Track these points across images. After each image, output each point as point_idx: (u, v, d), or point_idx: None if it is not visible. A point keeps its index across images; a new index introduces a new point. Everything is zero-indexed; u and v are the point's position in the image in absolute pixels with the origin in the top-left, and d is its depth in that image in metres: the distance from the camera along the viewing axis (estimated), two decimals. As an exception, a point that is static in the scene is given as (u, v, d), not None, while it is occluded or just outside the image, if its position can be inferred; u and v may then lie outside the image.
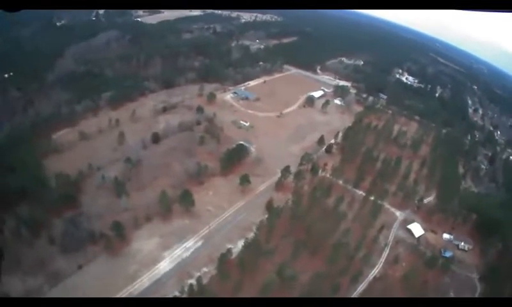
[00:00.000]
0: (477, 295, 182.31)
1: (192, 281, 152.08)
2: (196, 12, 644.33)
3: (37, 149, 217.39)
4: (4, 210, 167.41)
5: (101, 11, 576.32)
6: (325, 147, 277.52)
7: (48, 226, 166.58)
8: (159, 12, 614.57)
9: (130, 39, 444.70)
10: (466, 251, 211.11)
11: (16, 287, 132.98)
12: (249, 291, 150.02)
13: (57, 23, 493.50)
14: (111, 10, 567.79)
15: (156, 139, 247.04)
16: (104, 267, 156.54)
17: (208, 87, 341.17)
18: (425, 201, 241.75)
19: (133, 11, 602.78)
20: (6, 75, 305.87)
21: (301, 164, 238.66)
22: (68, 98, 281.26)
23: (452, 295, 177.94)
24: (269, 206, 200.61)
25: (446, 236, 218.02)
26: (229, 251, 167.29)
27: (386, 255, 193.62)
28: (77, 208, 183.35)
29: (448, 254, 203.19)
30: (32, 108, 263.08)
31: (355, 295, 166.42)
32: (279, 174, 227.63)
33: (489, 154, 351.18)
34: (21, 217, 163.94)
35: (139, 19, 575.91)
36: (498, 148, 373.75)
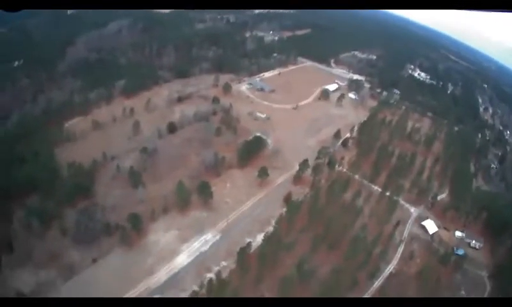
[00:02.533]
0: (486, 294, 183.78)
1: (212, 275, 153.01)
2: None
3: (49, 138, 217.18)
4: (15, 201, 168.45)
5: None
6: (341, 141, 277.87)
7: (61, 218, 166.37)
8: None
9: (142, 28, 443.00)
10: (477, 249, 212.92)
11: (28, 281, 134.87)
12: (269, 286, 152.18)
13: (68, 12, 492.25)
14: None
15: (172, 128, 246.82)
16: (119, 260, 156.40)
17: (223, 78, 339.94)
18: (439, 197, 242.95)
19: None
20: (16, 63, 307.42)
21: (318, 158, 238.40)
22: (80, 87, 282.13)
23: (463, 293, 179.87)
24: (287, 199, 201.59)
25: (458, 233, 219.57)
26: (248, 244, 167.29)
27: (401, 251, 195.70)
28: (91, 199, 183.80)
29: (460, 251, 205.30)
30: (43, 96, 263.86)
31: (372, 290, 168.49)
32: (296, 167, 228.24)
33: (499, 153, 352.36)
34: (32, 209, 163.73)
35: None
36: (508, 148, 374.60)
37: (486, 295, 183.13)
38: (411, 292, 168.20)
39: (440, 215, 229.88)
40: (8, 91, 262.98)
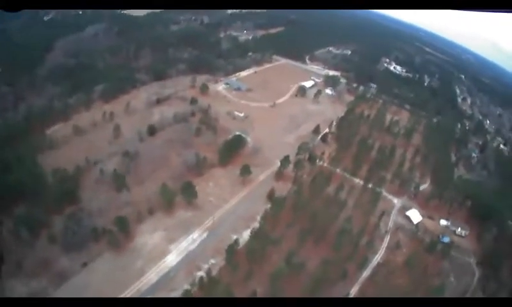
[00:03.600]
0: (475, 279, 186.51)
1: (202, 274, 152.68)
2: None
3: (31, 145, 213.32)
4: (2, 211, 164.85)
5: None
6: (320, 136, 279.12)
7: (49, 225, 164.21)
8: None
9: (118, 31, 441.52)
10: (463, 236, 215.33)
11: (19, 291, 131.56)
12: (259, 281, 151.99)
13: (45, 18, 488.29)
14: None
15: (152, 131, 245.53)
16: (109, 263, 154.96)
17: (200, 79, 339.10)
18: (421, 188, 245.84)
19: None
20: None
21: (298, 154, 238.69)
22: (60, 92, 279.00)
23: (452, 279, 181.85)
24: (271, 196, 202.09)
25: (443, 222, 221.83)
26: (236, 241, 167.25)
27: (387, 241, 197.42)
28: (77, 204, 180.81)
29: (446, 239, 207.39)
30: (24, 103, 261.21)
31: (361, 280, 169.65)
32: (277, 164, 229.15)
33: (480, 142, 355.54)
34: (19, 217, 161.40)
35: (125, 12, 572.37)
36: (488, 137, 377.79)
37: (475, 281, 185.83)
38: (400, 281, 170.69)
39: (423, 205, 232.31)
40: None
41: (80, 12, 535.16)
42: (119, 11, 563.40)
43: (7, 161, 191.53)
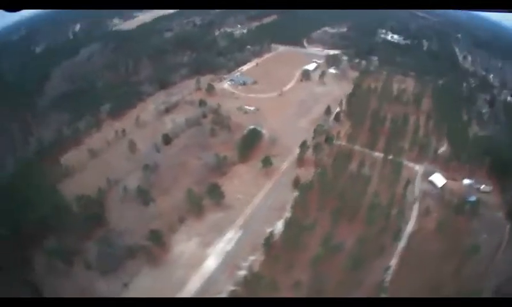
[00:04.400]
0: (506, 233, 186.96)
1: (244, 272, 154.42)
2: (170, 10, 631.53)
3: (48, 176, 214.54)
4: (31, 246, 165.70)
5: (76, 29, 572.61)
6: (333, 116, 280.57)
7: (81, 252, 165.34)
8: (134, 17, 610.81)
9: (113, 48, 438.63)
10: (487, 192, 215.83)
11: None
12: (301, 269, 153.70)
13: (36, 50, 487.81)
14: (86, 25, 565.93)
15: (167, 140, 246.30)
16: (149, 278, 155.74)
17: (204, 80, 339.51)
18: (439, 151, 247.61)
19: (108, 21, 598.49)
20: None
21: (315, 137, 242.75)
22: (67, 119, 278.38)
23: (485, 236, 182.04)
24: (297, 183, 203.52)
25: (466, 181, 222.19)
26: (271, 234, 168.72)
27: (416, 209, 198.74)
28: (106, 226, 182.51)
29: (472, 198, 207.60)
30: (32, 137, 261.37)
31: (398, 251, 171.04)
32: (296, 151, 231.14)
33: (487, 98, 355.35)
34: (51, 250, 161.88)
35: (116, 28, 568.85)
36: (495, 91, 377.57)
37: (506, 235, 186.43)
38: (435, 246, 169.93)
39: (444, 168, 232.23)
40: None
41: (71, 37, 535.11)
42: (110, 28, 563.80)
43: (27, 198, 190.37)
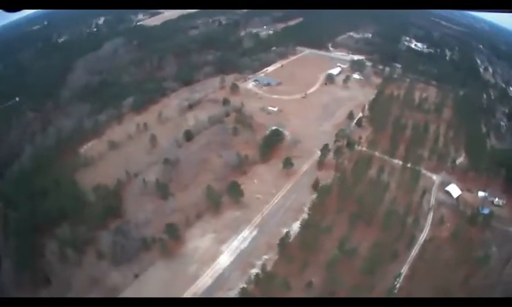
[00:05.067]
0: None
1: (256, 270, 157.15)
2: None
3: (67, 165, 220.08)
4: (46, 234, 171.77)
5: (100, 21, 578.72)
6: (355, 121, 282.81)
7: (95, 241, 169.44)
8: (159, 13, 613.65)
9: (138, 43, 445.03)
10: (501, 206, 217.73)
11: None
12: (315, 271, 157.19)
13: (59, 40, 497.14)
14: (110, 19, 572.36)
15: (189, 136, 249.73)
16: (162, 271, 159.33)
17: (228, 79, 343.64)
18: (457, 162, 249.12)
19: (133, 16, 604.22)
20: (17, 99, 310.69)
21: (336, 141, 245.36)
22: (88, 110, 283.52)
23: (494, 249, 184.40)
24: (316, 185, 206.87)
25: (481, 193, 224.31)
26: (287, 234, 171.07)
27: (431, 218, 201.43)
28: (123, 217, 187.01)
29: (485, 210, 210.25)
30: (52, 126, 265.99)
31: (411, 258, 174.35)
32: (317, 153, 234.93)
33: (506, 110, 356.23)
34: (64, 238, 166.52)
35: (141, 23, 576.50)
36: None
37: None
38: (447, 255, 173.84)
39: (461, 179, 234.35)
40: (15, 127, 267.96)
41: (95, 29, 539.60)
42: (133, 23, 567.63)
43: (45, 185, 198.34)
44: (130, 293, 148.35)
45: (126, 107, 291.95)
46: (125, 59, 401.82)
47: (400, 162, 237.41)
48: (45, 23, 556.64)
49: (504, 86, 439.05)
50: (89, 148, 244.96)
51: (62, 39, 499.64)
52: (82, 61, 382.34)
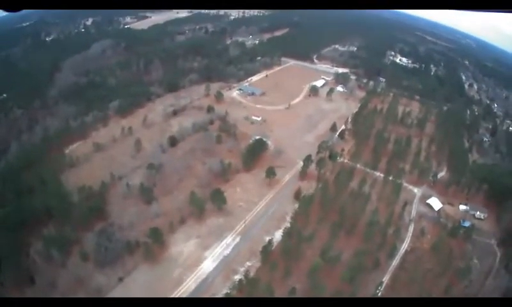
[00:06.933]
0: (497, 260, 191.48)
1: (240, 276, 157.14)
2: (184, 13, 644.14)
3: (52, 165, 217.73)
4: (30, 233, 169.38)
5: (88, 22, 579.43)
6: (338, 133, 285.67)
7: (79, 243, 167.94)
8: (146, 17, 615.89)
9: (125, 46, 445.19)
10: (482, 219, 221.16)
11: None
12: (297, 278, 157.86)
13: (47, 39, 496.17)
14: (98, 20, 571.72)
15: (173, 142, 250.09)
16: (146, 275, 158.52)
17: (213, 87, 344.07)
18: (439, 176, 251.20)
19: (121, 19, 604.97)
20: (5, 95, 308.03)
21: (319, 152, 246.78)
22: (75, 111, 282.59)
23: (475, 261, 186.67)
24: (298, 195, 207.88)
25: (462, 207, 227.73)
26: (269, 242, 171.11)
27: (412, 229, 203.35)
28: (106, 220, 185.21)
29: (466, 223, 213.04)
30: (38, 125, 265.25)
31: (392, 268, 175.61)
32: (299, 164, 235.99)
33: (490, 126, 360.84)
34: (49, 238, 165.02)
35: (128, 26, 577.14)
36: (497, 120, 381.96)
37: (497, 261, 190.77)
38: (428, 265, 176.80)
39: (443, 192, 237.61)
40: (2, 123, 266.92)
41: (83, 29, 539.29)
42: (121, 26, 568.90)
43: (30, 183, 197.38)
44: (114, 296, 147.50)
45: (112, 109, 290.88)
46: (112, 61, 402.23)
47: (382, 175, 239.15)
48: (34, 21, 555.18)
49: (488, 102, 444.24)
50: (74, 148, 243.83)
51: (50, 38, 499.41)
52: (69, 61, 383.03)
